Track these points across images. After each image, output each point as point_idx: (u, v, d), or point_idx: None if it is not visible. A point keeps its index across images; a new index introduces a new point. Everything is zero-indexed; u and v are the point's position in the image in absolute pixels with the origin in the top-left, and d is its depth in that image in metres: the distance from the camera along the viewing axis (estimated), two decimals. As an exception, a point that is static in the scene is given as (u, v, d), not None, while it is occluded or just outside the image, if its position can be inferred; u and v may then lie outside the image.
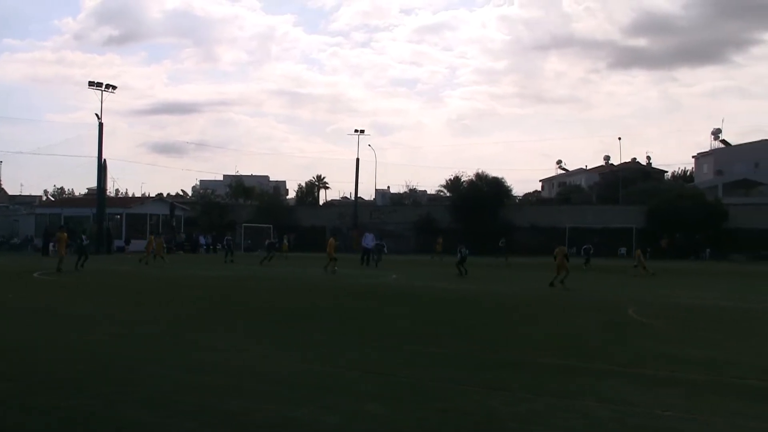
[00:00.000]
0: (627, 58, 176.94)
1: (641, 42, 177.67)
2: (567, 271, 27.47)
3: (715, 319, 17.85)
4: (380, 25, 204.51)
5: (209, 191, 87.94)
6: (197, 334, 13.76)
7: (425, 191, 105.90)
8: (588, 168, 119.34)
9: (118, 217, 64.82)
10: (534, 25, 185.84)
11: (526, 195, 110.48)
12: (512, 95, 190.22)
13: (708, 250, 64.72)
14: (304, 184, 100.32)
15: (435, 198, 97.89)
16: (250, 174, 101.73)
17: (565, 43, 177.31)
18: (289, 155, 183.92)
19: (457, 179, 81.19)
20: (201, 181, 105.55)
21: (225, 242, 50.51)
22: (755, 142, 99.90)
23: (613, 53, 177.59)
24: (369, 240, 42.73)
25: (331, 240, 37.95)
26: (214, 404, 8.29)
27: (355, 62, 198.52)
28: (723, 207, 70.11)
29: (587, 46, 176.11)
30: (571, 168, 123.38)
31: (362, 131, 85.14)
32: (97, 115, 58.71)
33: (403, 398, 8.71)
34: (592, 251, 43.89)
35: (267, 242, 50.29)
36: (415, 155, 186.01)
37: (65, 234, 35.01)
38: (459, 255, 34.80)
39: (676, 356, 11.86)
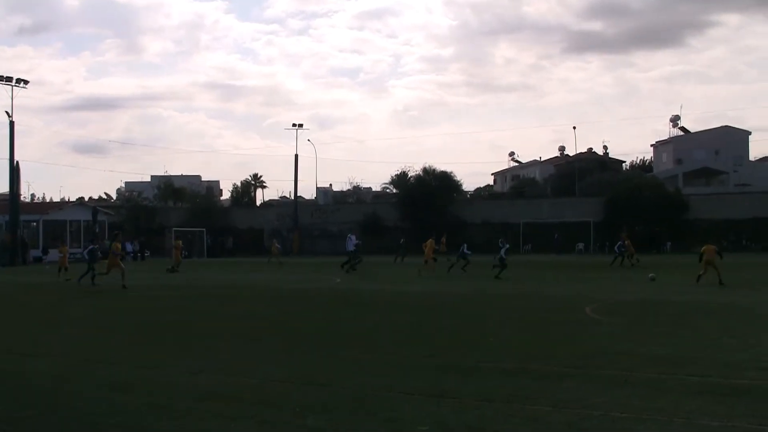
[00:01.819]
0: (581, 43, 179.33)
1: (595, 26, 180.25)
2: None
3: (675, 315, 18.18)
4: (318, 11, 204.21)
5: (135, 194, 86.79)
6: (123, 351, 13.59)
7: (370, 188, 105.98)
8: (542, 159, 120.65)
9: (34, 224, 63.52)
10: (482, 9, 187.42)
11: (478, 189, 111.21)
12: (460, 84, 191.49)
13: (668, 242, 65.89)
14: (239, 184, 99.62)
15: (381, 195, 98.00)
16: (180, 174, 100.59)
17: (515, 27, 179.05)
18: (222, 153, 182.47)
19: (403, 174, 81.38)
20: (126, 182, 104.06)
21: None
22: (715, 128, 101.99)
23: (566, 38, 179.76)
24: (352, 242, 42.60)
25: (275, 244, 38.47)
26: (143, 424, 8.20)
27: (293, 51, 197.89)
28: (683, 197, 71.48)
29: (539, 30, 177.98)
30: (524, 160, 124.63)
31: (301, 125, 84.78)
32: (7, 112, 57.46)
33: (345, 410, 8.70)
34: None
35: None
36: (359, 150, 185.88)
37: None
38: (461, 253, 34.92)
39: (634, 354, 12.06)
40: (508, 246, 34.77)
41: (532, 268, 40.07)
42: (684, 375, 10.35)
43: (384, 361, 11.83)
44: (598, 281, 30.67)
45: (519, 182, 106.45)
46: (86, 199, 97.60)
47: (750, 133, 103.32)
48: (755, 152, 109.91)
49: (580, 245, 68.84)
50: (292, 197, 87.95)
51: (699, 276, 27.28)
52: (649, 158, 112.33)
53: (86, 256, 32.20)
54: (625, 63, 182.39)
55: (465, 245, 38.67)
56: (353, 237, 42.71)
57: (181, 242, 44.51)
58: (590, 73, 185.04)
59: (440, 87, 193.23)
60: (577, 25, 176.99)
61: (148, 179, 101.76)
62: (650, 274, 29.79)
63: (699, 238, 66.70)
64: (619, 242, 44.10)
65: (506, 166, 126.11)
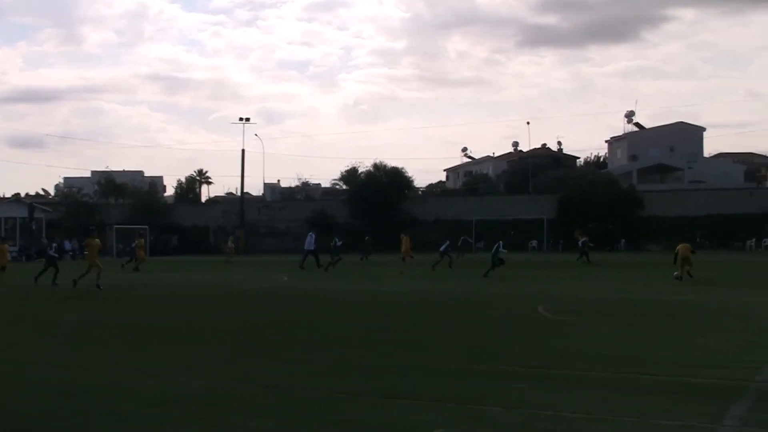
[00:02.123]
0: (535, 37, 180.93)
1: (550, 19, 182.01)
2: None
3: (629, 314, 18.39)
4: (266, 1, 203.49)
5: (75, 190, 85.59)
6: (67, 354, 13.38)
7: (319, 184, 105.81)
8: (495, 155, 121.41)
9: (-33, 222, 62.45)
10: (435, 1, 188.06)
11: (430, 186, 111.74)
12: (413, 78, 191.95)
13: (623, 240, 66.75)
14: (184, 180, 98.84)
15: (330, 191, 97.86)
16: (122, 169, 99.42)
17: (468, 20, 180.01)
18: (166, 148, 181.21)
19: (354, 170, 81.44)
20: (65, 178, 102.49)
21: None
22: (670, 124, 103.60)
23: (521, 31, 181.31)
24: (311, 241, 42.49)
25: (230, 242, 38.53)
26: (87, 429, 8.07)
27: (240, 43, 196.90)
28: (637, 194, 72.47)
29: (492, 23, 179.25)
30: (477, 156, 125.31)
31: (248, 120, 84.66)
32: (-62, 105, 56.33)
33: (293, 412, 8.66)
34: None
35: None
36: (308, 145, 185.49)
37: None
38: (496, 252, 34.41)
39: (587, 354, 12.17)
40: (502, 243, 35.20)
41: (486, 266, 40.23)
42: (637, 374, 10.46)
43: (335, 362, 11.79)
44: (552, 280, 30.96)
45: (472, 179, 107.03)
46: (23, 195, 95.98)
47: (705, 129, 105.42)
48: (709, 149, 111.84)
49: (534, 243, 69.46)
50: (239, 194, 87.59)
51: (678, 276, 28.41)
52: (604, 154, 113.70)
53: (53, 255, 31.54)
54: (580, 57, 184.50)
55: (448, 243, 40.87)
56: (313, 235, 42.75)
57: (143, 241, 43.87)
58: (545, 68, 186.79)
59: (392, 81, 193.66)
60: (532, 19, 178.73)
61: (89, 175, 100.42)
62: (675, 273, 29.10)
63: (653, 235, 67.97)
64: (582, 239, 44.87)
65: (459, 162, 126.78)
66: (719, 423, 7.84)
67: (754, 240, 63.47)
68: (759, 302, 20.55)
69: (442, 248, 39.56)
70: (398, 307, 21.24)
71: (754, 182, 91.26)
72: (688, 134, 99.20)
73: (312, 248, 41.92)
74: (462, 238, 53.95)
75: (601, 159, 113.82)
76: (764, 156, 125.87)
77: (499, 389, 9.60)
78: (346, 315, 19.25)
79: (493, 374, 10.65)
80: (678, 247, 29.56)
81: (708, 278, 29.70)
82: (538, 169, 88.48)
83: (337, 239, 43.95)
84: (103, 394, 9.73)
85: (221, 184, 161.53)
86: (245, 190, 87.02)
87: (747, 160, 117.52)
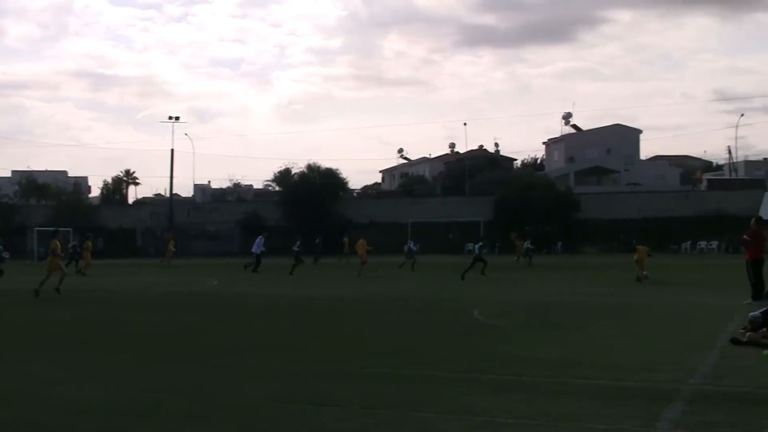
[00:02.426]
0: (473, 37, 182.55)
1: (488, 19, 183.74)
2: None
3: (564, 317, 18.62)
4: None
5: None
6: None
7: (251, 186, 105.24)
8: (432, 157, 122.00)
9: None
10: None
11: (365, 188, 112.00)
12: (348, 77, 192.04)
13: (560, 242, 67.60)
14: (110, 180, 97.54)
15: (263, 193, 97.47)
16: (44, 169, 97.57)
17: (405, 19, 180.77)
18: (92, 147, 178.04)
19: (287, 171, 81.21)
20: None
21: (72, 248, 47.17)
22: (607, 126, 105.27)
23: (458, 31, 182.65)
24: (260, 244, 42.27)
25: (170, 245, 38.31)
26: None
27: (170, 39, 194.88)
28: (574, 196, 73.53)
29: (430, 22, 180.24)
30: (413, 157, 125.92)
31: (178, 118, 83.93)
32: None
33: (220, 420, 8.57)
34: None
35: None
36: (240, 145, 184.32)
37: None
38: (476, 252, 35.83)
39: (522, 358, 12.29)
40: (481, 244, 36.76)
41: (423, 269, 40.45)
42: (573, 378, 10.59)
43: (264, 368, 11.72)
44: (488, 283, 31.20)
45: (408, 180, 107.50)
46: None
47: (641, 131, 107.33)
48: (646, 151, 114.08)
49: (470, 245, 69.94)
50: (167, 195, 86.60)
51: (644, 276, 30.19)
52: (541, 156, 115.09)
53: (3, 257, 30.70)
54: (518, 58, 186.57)
55: (411, 243, 42.35)
56: (262, 239, 42.65)
57: (90, 243, 42.87)
58: (482, 68, 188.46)
59: (327, 80, 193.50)
60: (470, 18, 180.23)
61: (9, 174, 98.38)
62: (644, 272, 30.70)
63: (590, 237, 69.02)
64: (527, 240, 45.72)
65: (395, 164, 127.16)
66: (652, 426, 7.97)
67: (689, 243, 64.82)
68: (692, 304, 20.97)
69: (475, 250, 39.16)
70: (333, 311, 21.22)
71: (690, 185, 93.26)
72: (625, 136, 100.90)
73: (260, 251, 41.83)
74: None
75: (539, 161, 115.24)
76: (700, 159, 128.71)
77: (433, 394, 9.63)
78: (277, 320, 19.15)
79: (428, 379, 10.68)
80: (637, 248, 32.01)
81: (645, 281, 30.22)
82: (475, 171, 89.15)
83: (298, 243, 43.95)
84: (20, 402, 9.54)
85: (149, 185, 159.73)
86: (174, 191, 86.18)
87: (683, 163, 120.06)
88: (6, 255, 30.92)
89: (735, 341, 13.44)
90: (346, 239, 54.43)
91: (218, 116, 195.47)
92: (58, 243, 27.18)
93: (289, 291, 28.05)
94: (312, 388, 10.13)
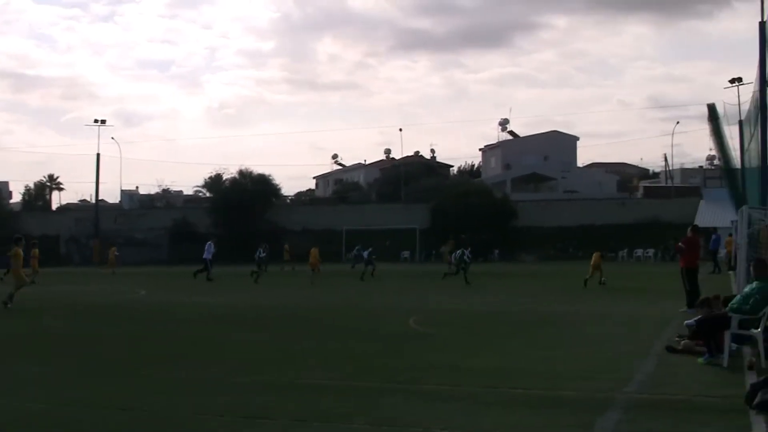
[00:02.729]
0: (408, 41, 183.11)
1: (424, 23, 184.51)
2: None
3: (500, 325, 18.82)
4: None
5: None
6: None
7: (181, 192, 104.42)
8: (367, 163, 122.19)
9: None
10: (305, 1, 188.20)
11: (299, 194, 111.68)
12: (281, 81, 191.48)
13: (497, 250, 68.12)
14: (32, 186, 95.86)
15: (193, 199, 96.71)
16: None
17: (340, 22, 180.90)
18: (13, 150, 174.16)
19: (218, 177, 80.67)
20: None
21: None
22: (544, 133, 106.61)
23: (394, 35, 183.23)
24: (209, 250, 41.99)
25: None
26: None
27: (96, 39, 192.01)
28: (511, 204, 74.20)
29: (365, 26, 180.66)
30: (348, 163, 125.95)
31: (104, 121, 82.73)
32: None
33: (146, 434, 8.50)
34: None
35: None
36: (169, 150, 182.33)
37: None
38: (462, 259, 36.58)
39: (458, 367, 12.37)
40: (468, 250, 37.77)
41: (356, 277, 40.44)
42: (509, 388, 10.68)
43: (192, 380, 11.61)
44: (424, 291, 31.35)
45: (342, 186, 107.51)
46: None
47: (578, 138, 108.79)
48: (583, 158, 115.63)
49: (406, 253, 70.18)
50: (93, 201, 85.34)
51: (586, 281, 31.79)
52: (478, 163, 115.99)
53: None
54: (454, 63, 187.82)
55: (362, 249, 43.20)
56: (211, 245, 42.46)
57: (38, 251, 41.85)
58: (418, 73, 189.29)
59: (259, 83, 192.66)
60: (405, 22, 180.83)
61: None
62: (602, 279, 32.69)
63: (527, 245, 69.72)
64: (466, 250, 45.98)
65: (329, 170, 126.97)
66: (588, 435, 8.10)
67: (625, 250, 65.83)
68: (628, 312, 21.32)
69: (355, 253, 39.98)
70: (266, 321, 21.09)
71: (627, 192, 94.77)
72: (562, 143, 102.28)
73: (210, 257, 41.61)
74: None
75: (475, 167, 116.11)
76: (636, 166, 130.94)
77: (367, 405, 9.64)
78: (208, 330, 18.97)
79: (362, 390, 10.70)
80: (594, 255, 33.71)
81: (578, 289, 30.64)
82: (410, 178, 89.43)
83: (261, 250, 43.71)
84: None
85: (74, 191, 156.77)
86: (100, 197, 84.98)
87: (620, 171, 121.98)
88: None
89: (670, 349, 13.70)
90: (287, 246, 54.41)
91: (146, 120, 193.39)
92: (20, 251, 25.83)
93: (221, 300, 27.84)
94: (243, 401, 10.06)
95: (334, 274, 44.02)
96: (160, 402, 10.06)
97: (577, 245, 68.48)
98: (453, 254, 41.45)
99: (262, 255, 42.97)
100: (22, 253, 25.88)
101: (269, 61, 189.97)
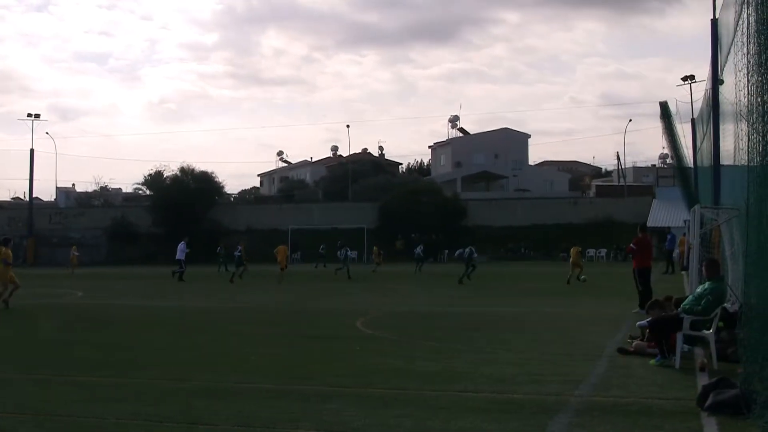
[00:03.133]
0: (356, 35, 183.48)
1: (372, 17, 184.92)
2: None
3: (449, 327, 18.86)
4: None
5: None
6: None
7: (120, 189, 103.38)
8: (313, 160, 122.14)
9: None
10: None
11: (242, 192, 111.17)
12: (224, 75, 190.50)
13: (446, 250, 68.33)
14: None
15: (132, 197, 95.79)
16: None
17: (285, 15, 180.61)
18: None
19: (158, 174, 79.99)
20: None
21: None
22: (495, 130, 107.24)
23: (341, 29, 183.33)
24: (182, 249, 42.29)
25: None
26: None
27: (30, 30, 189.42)
28: (461, 203, 74.52)
29: (311, 19, 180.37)
30: (294, 160, 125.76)
31: (38, 116, 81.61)
32: None
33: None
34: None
35: None
36: (108, 146, 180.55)
37: None
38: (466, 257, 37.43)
39: (406, 371, 12.36)
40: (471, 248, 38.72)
41: (302, 278, 40.34)
42: (457, 391, 10.70)
43: (129, 386, 11.46)
44: (373, 292, 31.35)
45: (288, 184, 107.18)
46: None
47: (530, 136, 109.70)
48: (534, 156, 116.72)
49: (354, 253, 70.09)
50: (27, 199, 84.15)
51: (583, 278, 33.38)
52: (427, 161, 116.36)
53: None
54: (403, 58, 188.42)
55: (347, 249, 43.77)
56: (184, 244, 42.71)
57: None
58: (366, 68, 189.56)
59: (202, 78, 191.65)
60: (353, 16, 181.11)
61: None
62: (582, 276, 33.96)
63: (478, 245, 70.03)
64: (419, 246, 46.57)
65: (274, 167, 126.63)
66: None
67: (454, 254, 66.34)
68: (579, 313, 21.53)
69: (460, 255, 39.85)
70: (208, 323, 20.94)
71: (579, 191, 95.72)
72: (513, 141, 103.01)
73: (183, 257, 41.94)
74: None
75: (425, 165, 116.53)
76: (589, 165, 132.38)
77: (312, 411, 9.58)
78: (147, 333, 18.77)
79: (307, 395, 10.63)
80: (571, 250, 35.17)
81: (529, 289, 30.88)
82: (358, 175, 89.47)
83: (239, 248, 43.71)
84: None
85: (6, 188, 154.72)
86: (34, 195, 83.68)
87: (572, 169, 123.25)
88: None
89: (622, 351, 13.83)
90: (242, 245, 54.05)
91: (83, 114, 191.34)
92: (10, 252, 25.36)
93: (163, 302, 27.59)
94: (182, 407, 9.95)
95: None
96: (95, 409, 9.89)
97: (528, 245, 68.99)
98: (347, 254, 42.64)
99: (239, 254, 42.93)
100: (10, 253, 25.37)
101: (212, 55, 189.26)
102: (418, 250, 50.50)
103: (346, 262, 42.55)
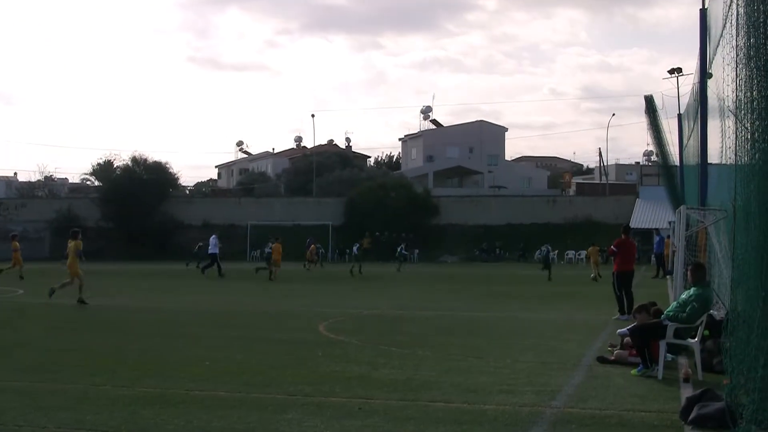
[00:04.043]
0: (324, 19, 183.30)
1: (340, 0, 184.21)
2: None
3: (418, 332, 18.83)
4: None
5: None
6: None
7: (66, 179, 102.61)
8: (275, 151, 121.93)
9: None
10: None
11: (199, 185, 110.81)
12: (182, 58, 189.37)
13: (416, 250, 68.38)
14: None
15: (79, 188, 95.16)
16: None
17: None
18: None
19: (108, 164, 79.47)
20: None
21: None
22: (469, 123, 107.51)
23: (308, 11, 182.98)
24: (214, 244, 43.55)
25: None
26: None
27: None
28: (433, 199, 74.61)
29: (275, 1, 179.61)
30: (254, 151, 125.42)
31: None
32: None
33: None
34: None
35: None
36: (54, 132, 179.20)
37: None
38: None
39: (371, 379, 12.35)
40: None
41: (261, 278, 40.21)
42: (426, 401, 10.70)
43: (71, 393, 11.37)
44: (337, 293, 31.32)
45: (248, 177, 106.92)
46: None
47: (506, 129, 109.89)
48: (511, 151, 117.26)
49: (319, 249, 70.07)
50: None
51: (594, 277, 36.18)
52: (397, 154, 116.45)
53: None
54: (374, 44, 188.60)
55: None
56: (216, 238, 43.87)
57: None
58: (334, 54, 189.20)
59: (158, 61, 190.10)
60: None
61: None
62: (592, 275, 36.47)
63: (450, 245, 70.18)
64: (401, 245, 47.13)
65: (233, 158, 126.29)
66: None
67: (556, 252, 66.40)
68: (556, 319, 21.63)
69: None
70: (159, 325, 20.76)
71: (558, 189, 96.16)
72: (489, 134, 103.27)
73: (217, 251, 43.06)
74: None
75: (394, 159, 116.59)
76: (568, 161, 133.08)
77: (269, 421, 9.56)
78: (92, 335, 18.63)
79: (264, 403, 10.60)
80: (588, 250, 39.07)
81: (503, 293, 30.97)
82: (323, 169, 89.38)
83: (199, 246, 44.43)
84: None
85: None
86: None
87: (551, 165, 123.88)
88: None
89: (602, 360, 13.90)
90: (277, 242, 54.15)
91: (26, 97, 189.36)
92: (81, 243, 26.98)
93: (111, 302, 27.36)
94: (128, 416, 9.89)
95: (241, 274, 43.71)
96: (32, 418, 9.80)
97: (504, 245, 69.06)
98: (318, 251, 43.66)
99: (269, 250, 43.38)
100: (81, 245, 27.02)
101: (169, 37, 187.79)
102: (401, 248, 51.81)
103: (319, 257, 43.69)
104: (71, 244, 26.34)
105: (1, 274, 38.19)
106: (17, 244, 40.53)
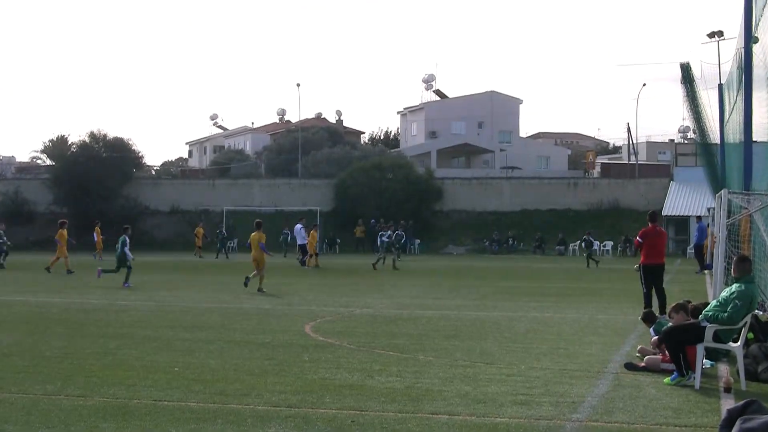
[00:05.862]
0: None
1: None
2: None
3: (417, 334, 18.83)
4: None
5: None
6: None
7: (13, 158, 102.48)
8: (255, 126, 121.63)
9: None
10: None
11: (166, 164, 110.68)
12: (145, 20, 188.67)
13: (417, 240, 68.31)
14: None
15: (29, 168, 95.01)
16: None
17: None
18: None
19: (62, 141, 79.32)
20: None
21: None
22: (479, 94, 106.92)
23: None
24: (302, 234, 45.31)
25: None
26: None
27: None
28: (436, 182, 74.41)
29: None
30: (231, 126, 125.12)
31: None
32: None
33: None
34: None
35: None
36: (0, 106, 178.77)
37: None
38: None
39: (365, 388, 12.35)
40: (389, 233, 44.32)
41: (241, 270, 40.21)
42: (428, 413, 10.71)
43: (19, 403, 11.37)
44: (326, 290, 31.30)
45: (223, 155, 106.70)
46: None
47: (521, 101, 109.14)
48: (527, 127, 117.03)
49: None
50: None
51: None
52: (395, 130, 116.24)
53: None
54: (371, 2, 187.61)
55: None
56: (302, 227, 46.07)
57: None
58: (321, 11, 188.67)
59: (120, 26, 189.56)
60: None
61: None
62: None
63: (455, 234, 70.15)
64: (387, 233, 46.95)
65: (207, 134, 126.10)
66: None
67: (578, 243, 66.09)
68: (578, 320, 21.61)
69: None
70: (121, 324, 20.72)
71: (580, 170, 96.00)
72: (501, 107, 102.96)
73: (304, 242, 44.97)
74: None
75: (392, 135, 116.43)
76: (592, 138, 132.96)
77: (246, 435, 9.58)
78: (43, 336, 18.55)
79: (242, 415, 10.61)
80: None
81: (517, 290, 30.96)
82: (310, 146, 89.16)
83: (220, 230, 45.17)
84: None
85: None
86: None
87: (572, 143, 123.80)
88: None
89: (630, 366, 13.89)
90: (200, 229, 54.55)
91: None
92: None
93: (66, 298, 27.35)
94: (84, 430, 9.90)
95: (213, 267, 43.74)
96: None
97: (517, 235, 68.92)
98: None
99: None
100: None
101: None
102: (383, 236, 51.04)
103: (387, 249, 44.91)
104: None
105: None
106: (65, 233, 40.13)
